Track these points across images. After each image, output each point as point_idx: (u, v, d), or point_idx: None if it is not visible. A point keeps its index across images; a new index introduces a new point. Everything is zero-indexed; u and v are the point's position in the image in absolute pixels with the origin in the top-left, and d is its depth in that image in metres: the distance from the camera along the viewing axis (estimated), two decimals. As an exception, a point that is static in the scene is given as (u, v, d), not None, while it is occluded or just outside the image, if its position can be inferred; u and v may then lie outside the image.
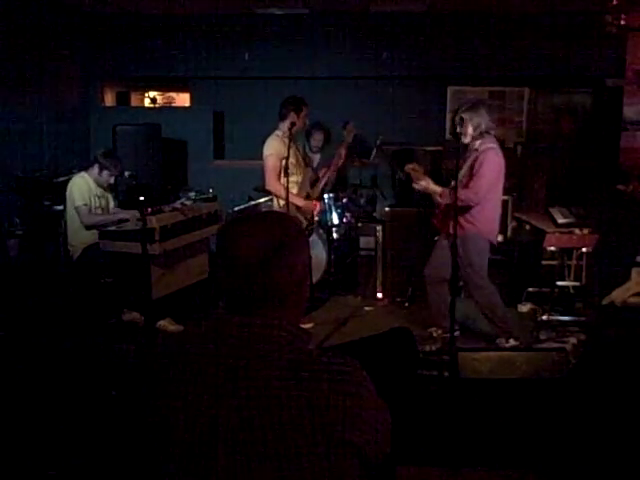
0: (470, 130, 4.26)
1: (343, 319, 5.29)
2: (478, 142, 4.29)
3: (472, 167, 4.28)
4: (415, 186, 4.43)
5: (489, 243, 4.40)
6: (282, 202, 4.93)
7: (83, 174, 5.17)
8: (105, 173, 5.11)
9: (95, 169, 5.12)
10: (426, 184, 4.35)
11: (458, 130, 4.26)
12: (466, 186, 4.26)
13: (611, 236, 5.15)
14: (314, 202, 5.29)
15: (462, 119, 4.25)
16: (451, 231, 4.25)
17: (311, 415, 1.21)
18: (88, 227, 5.03)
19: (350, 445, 1.24)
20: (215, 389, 1.26)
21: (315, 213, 5.38)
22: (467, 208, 4.24)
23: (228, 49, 7.86)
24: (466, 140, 4.30)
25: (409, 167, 4.46)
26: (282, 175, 4.85)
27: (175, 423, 1.26)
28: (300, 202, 5.09)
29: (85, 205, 5.05)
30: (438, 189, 4.34)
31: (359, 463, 1.28)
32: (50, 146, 7.04)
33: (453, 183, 4.26)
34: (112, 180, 5.21)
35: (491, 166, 4.22)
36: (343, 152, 5.39)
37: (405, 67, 7.78)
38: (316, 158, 6.51)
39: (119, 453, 2.85)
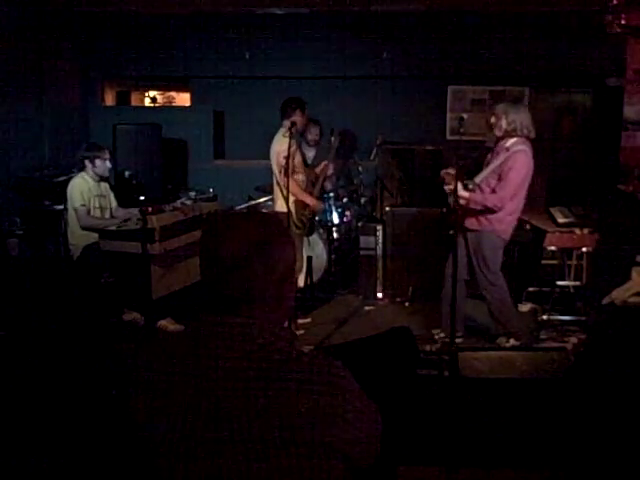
0: (504, 124, 4.27)
1: (343, 319, 5.29)
2: (511, 141, 4.27)
3: (500, 167, 4.26)
4: (445, 188, 4.40)
5: (503, 241, 4.41)
6: (292, 199, 4.92)
7: (82, 174, 5.18)
8: (98, 161, 5.13)
9: (88, 165, 5.14)
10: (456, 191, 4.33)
11: (492, 121, 4.28)
12: (494, 189, 4.26)
13: (611, 236, 5.14)
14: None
15: (499, 111, 4.28)
16: (469, 227, 4.28)
17: (292, 416, 1.21)
18: (85, 229, 5.03)
19: (332, 447, 1.23)
20: (195, 389, 1.25)
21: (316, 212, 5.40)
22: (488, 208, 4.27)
23: (228, 49, 7.85)
24: (498, 133, 4.32)
25: (444, 172, 4.44)
26: (297, 174, 4.86)
27: (155, 423, 1.26)
28: (311, 200, 5.09)
29: (83, 206, 5.05)
30: (466, 194, 4.29)
31: (344, 465, 1.27)
32: (50, 146, 7.04)
33: (474, 180, 4.26)
34: (108, 164, 5.20)
35: (520, 170, 4.21)
36: (331, 158, 5.44)
37: (405, 67, 7.78)
38: (312, 153, 6.51)
39: (117, 452, 2.85)
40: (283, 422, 1.21)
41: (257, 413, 1.21)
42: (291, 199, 4.91)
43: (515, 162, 4.19)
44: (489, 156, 4.45)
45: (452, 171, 4.39)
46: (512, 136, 4.27)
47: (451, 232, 4.61)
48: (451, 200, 4.33)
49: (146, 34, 7.89)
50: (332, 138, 5.43)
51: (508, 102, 4.39)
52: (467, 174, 4.40)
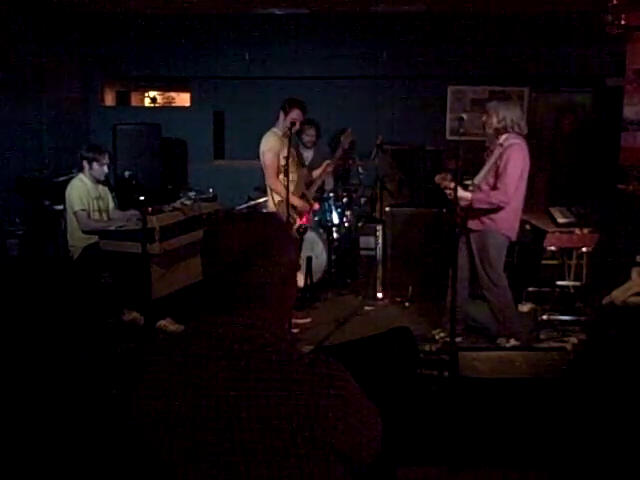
0: (494, 122, 4.26)
1: (343, 319, 5.29)
2: (503, 137, 4.27)
3: (496, 164, 4.25)
4: (447, 192, 4.39)
5: (507, 240, 4.40)
6: (277, 199, 4.94)
7: (81, 176, 5.18)
8: (95, 165, 5.13)
9: (85, 166, 5.14)
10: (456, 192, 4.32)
11: (484, 119, 4.28)
12: (494, 186, 4.25)
13: (611, 236, 5.15)
14: (312, 203, 5.28)
15: (490, 109, 4.28)
16: (472, 227, 4.26)
17: (292, 418, 1.20)
18: (86, 232, 5.03)
19: (332, 449, 1.23)
20: (195, 390, 1.25)
21: (311, 213, 5.38)
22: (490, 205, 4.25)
23: (228, 49, 7.86)
24: (488, 131, 4.31)
25: (438, 177, 4.45)
26: (282, 173, 4.85)
27: (156, 423, 1.26)
28: (297, 202, 5.05)
29: (83, 210, 5.05)
30: (469, 195, 4.29)
31: (344, 468, 1.26)
32: (50, 146, 7.04)
33: (473, 181, 4.25)
34: (105, 169, 5.19)
35: (516, 162, 4.20)
36: (337, 157, 5.39)
37: (405, 67, 7.78)
38: (309, 155, 6.51)
39: (117, 453, 2.85)
40: (283, 424, 1.20)
41: (257, 414, 1.21)
42: (277, 198, 4.95)
43: (511, 155, 4.19)
44: (486, 155, 4.45)
45: (446, 175, 4.40)
46: (504, 133, 4.28)
47: (457, 231, 4.60)
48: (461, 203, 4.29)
49: (146, 34, 7.89)
50: (342, 137, 5.33)
51: (500, 99, 4.38)
52: (464, 174, 4.38)
